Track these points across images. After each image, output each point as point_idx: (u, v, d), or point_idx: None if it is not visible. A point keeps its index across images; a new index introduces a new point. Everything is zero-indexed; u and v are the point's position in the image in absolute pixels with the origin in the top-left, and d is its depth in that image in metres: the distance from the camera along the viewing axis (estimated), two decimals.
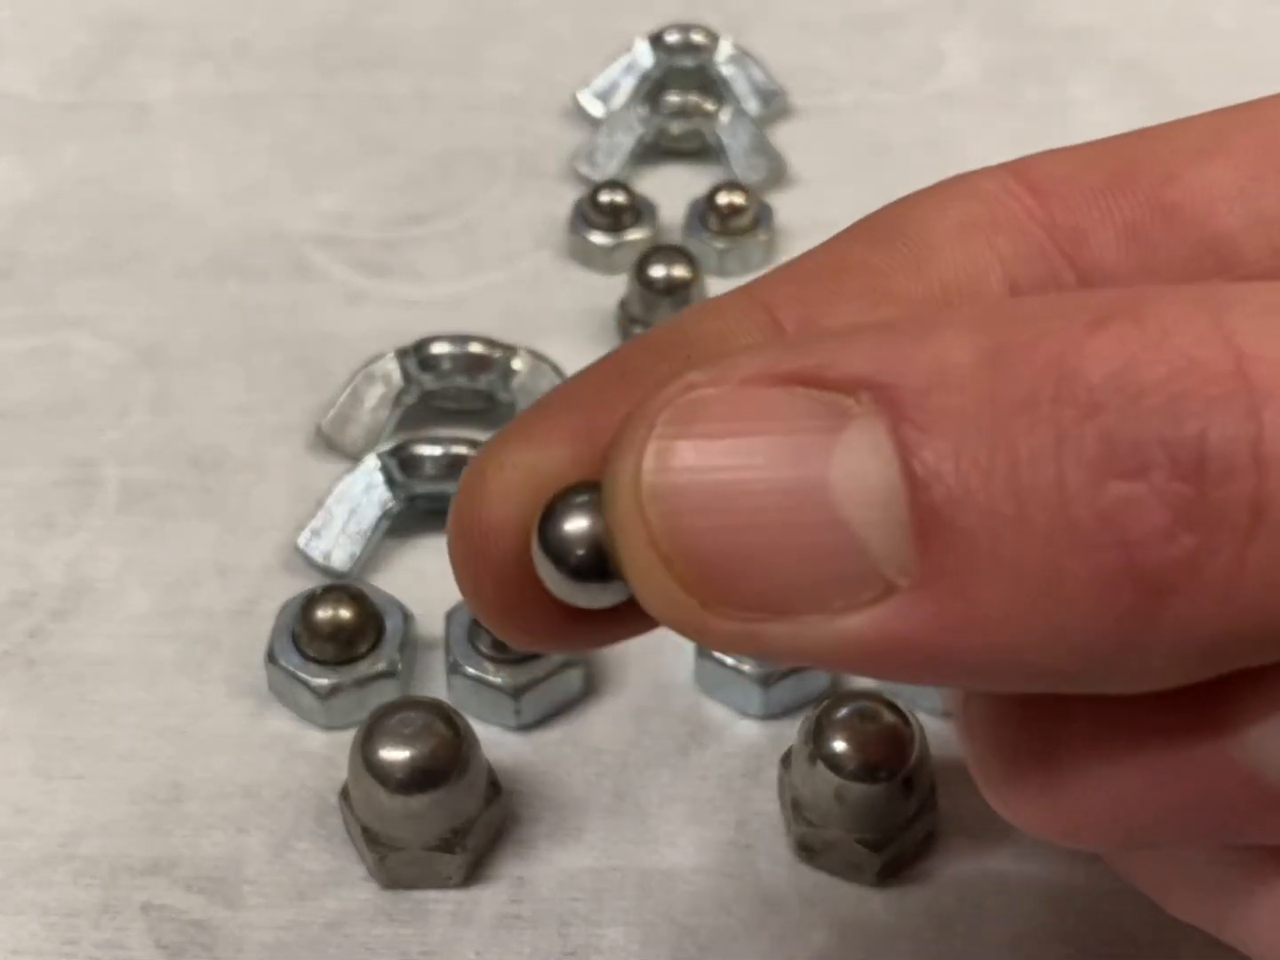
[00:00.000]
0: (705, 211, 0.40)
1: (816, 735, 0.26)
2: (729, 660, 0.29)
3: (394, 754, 0.26)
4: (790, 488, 0.15)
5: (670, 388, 0.15)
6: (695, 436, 0.15)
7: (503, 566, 0.17)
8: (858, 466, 0.14)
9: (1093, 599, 0.14)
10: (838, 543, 0.15)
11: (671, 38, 0.45)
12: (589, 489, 0.16)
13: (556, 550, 0.16)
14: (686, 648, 0.30)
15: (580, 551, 0.15)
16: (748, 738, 0.29)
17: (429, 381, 0.35)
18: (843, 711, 0.26)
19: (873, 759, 0.26)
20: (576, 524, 0.16)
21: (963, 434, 0.14)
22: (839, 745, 0.26)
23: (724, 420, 0.15)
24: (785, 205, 0.41)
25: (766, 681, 0.29)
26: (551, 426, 0.17)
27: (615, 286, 0.39)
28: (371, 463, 0.33)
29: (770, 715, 0.29)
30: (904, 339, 0.15)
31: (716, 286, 0.39)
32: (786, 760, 0.27)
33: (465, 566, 0.17)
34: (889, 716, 0.26)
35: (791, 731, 0.27)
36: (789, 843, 0.27)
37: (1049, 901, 0.27)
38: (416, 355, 0.35)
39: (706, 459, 0.15)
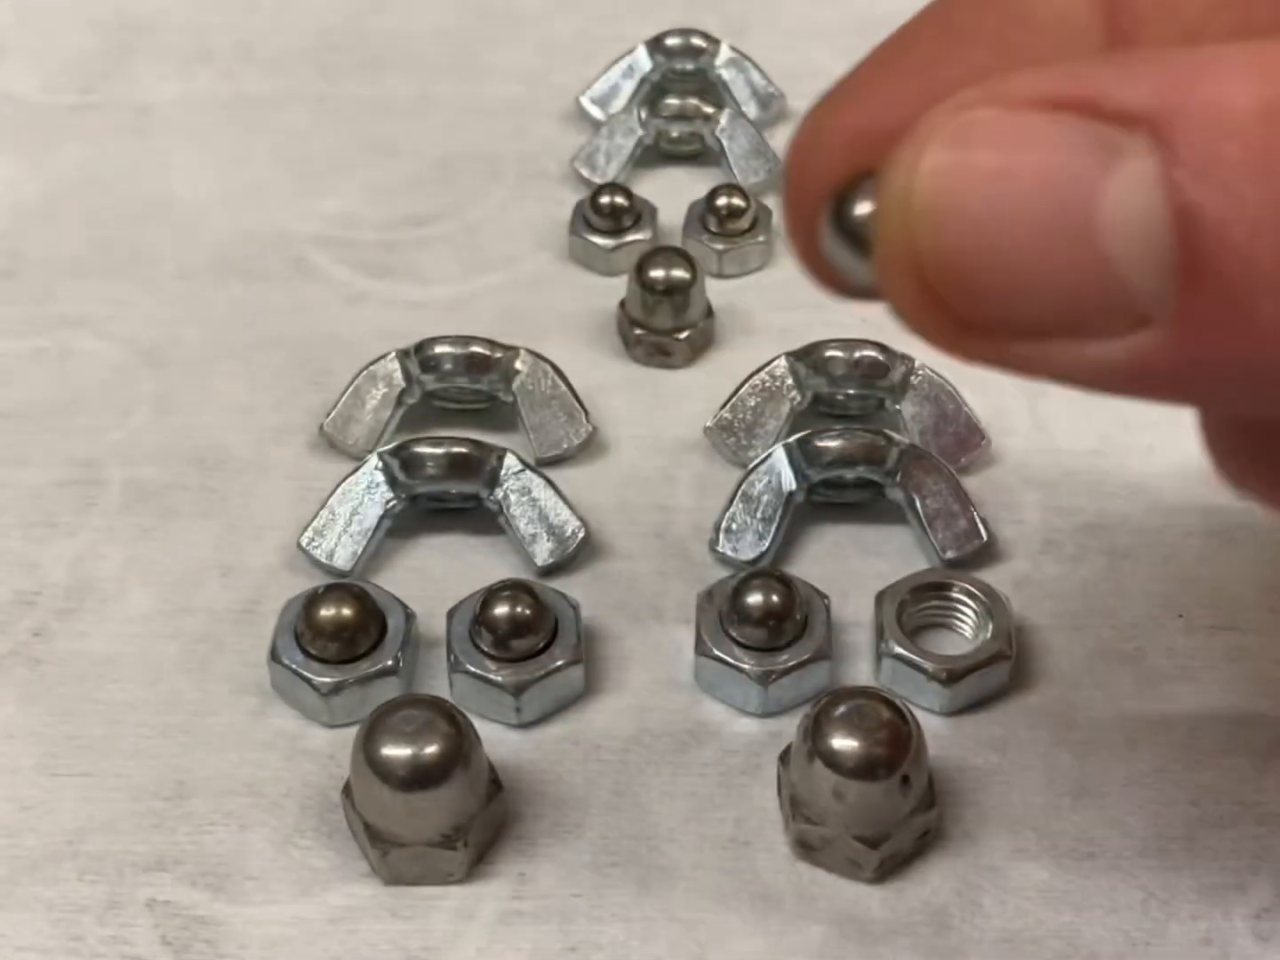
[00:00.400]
0: (704, 214, 0.40)
1: (815, 733, 0.26)
2: (728, 659, 0.29)
3: (396, 751, 0.26)
4: (1057, 217, 0.15)
5: (947, 104, 0.16)
6: (967, 158, 0.16)
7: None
8: (1128, 202, 0.15)
9: None
10: (1100, 274, 0.15)
11: (671, 42, 0.45)
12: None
13: (838, 224, 0.18)
14: (686, 647, 0.31)
15: (851, 235, 0.17)
16: (747, 735, 0.29)
17: (430, 382, 0.36)
18: (841, 709, 0.26)
19: (871, 757, 0.26)
20: (860, 208, 0.17)
21: (1238, 182, 0.14)
22: (837, 743, 0.26)
23: (997, 145, 0.16)
24: None
25: (765, 680, 0.29)
26: (883, 91, 0.19)
27: (615, 288, 0.39)
28: (373, 462, 0.33)
29: (769, 713, 0.30)
30: (1182, 76, 0.15)
31: (716, 288, 0.39)
32: (785, 758, 0.28)
33: (792, 209, 0.19)
34: (887, 714, 0.26)
35: (790, 729, 0.28)
36: (787, 840, 0.28)
37: (1046, 898, 0.27)
38: (418, 356, 0.35)
39: (976, 182, 0.16)
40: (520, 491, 0.33)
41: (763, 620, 0.29)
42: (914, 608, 0.31)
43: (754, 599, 0.29)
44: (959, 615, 0.31)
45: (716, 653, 0.29)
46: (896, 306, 0.17)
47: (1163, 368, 0.15)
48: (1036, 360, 0.16)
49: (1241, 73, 0.15)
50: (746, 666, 0.29)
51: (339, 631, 0.29)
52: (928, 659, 0.29)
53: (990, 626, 0.30)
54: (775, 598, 0.29)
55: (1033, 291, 0.16)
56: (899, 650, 0.29)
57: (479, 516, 0.33)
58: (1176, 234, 0.15)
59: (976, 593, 0.30)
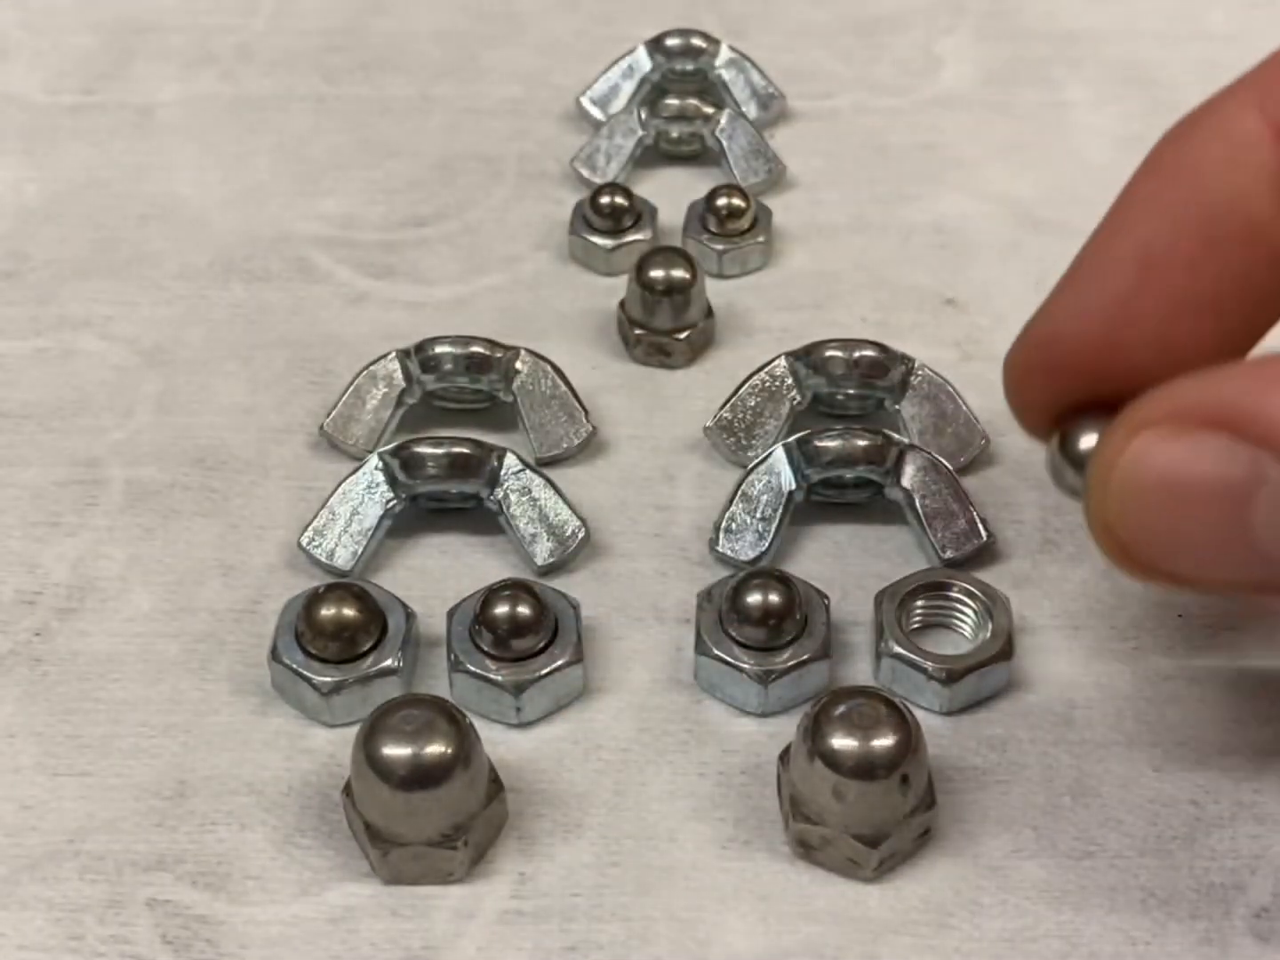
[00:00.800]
0: (704, 214, 0.40)
1: (815, 733, 0.26)
2: (728, 658, 0.29)
3: (396, 751, 0.26)
4: (1218, 518, 0.21)
5: (1141, 407, 0.22)
6: (1151, 461, 0.22)
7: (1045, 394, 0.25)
8: (1271, 515, 0.21)
9: None
10: (1249, 560, 0.21)
11: (671, 42, 0.46)
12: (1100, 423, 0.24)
13: (1065, 453, 0.25)
14: (686, 646, 0.31)
15: (1074, 466, 0.24)
16: (747, 735, 0.29)
17: (430, 382, 0.36)
18: (841, 709, 0.26)
19: (870, 756, 0.26)
20: (1085, 443, 0.24)
21: None
22: (837, 743, 0.26)
23: (1172, 456, 0.22)
24: (784, 207, 0.42)
25: (765, 679, 0.29)
26: (1084, 324, 0.25)
27: (615, 288, 0.39)
28: (374, 462, 0.33)
29: (769, 713, 0.30)
30: None
31: (715, 288, 0.39)
32: (785, 757, 0.28)
33: (1024, 422, 0.26)
34: (887, 714, 0.26)
35: (790, 729, 0.28)
36: (787, 839, 0.28)
37: (1046, 898, 0.27)
38: (418, 356, 0.35)
39: (1157, 481, 0.22)
40: (520, 491, 0.33)
41: (762, 620, 0.29)
42: (914, 607, 0.31)
43: (754, 598, 0.29)
44: (959, 615, 0.31)
45: (716, 652, 0.29)
46: (1095, 540, 0.23)
47: None
48: (1186, 591, 0.23)
49: None
50: (746, 666, 0.29)
51: (339, 631, 0.29)
52: (927, 659, 0.29)
53: (990, 626, 0.30)
54: (775, 597, 0.29)
55: (1201, 568, 0.22)
56: (899, 650, 0.29)
57: (479, 516, 0.33)
58: None
59: (976, 593, 0.30)
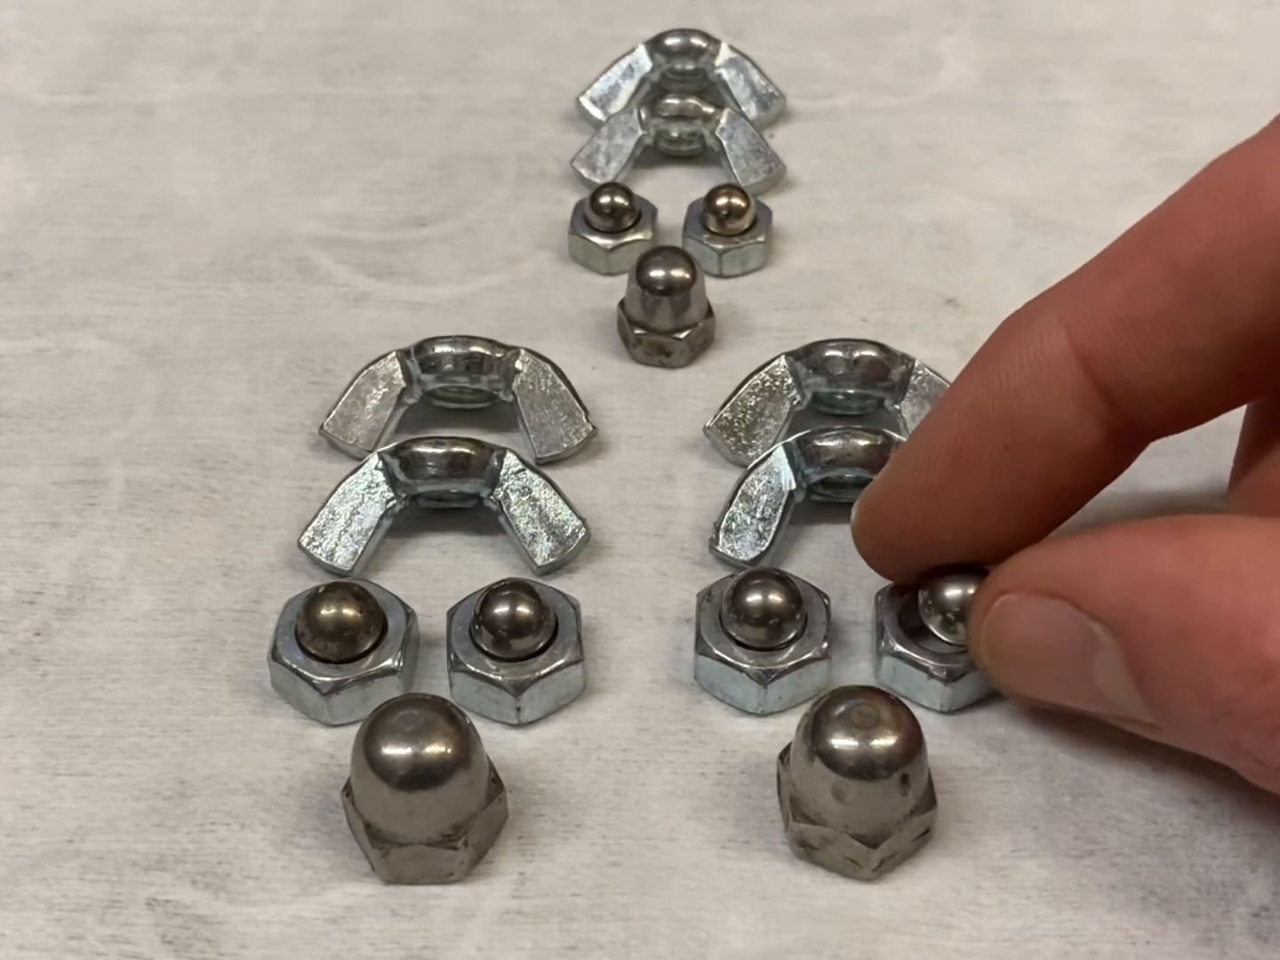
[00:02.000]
0: (704, 213, 0.40)
1: (815, 732, 0.26)
2: (728, 658, 0.29)
3: (396, 751, 0.26)
4: (1064, 668, 0.26)
5: (988, 591, 0.27)
6: (1005, 623, 0.27)
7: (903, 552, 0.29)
8: (1108, 667, 0.25)
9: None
10: (1100, 702, 0.26)
11: (671, 42, 0.46)
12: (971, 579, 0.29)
13: (932, 600, 0.29)
14: (686, 646, 0.31)
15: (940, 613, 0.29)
16: (747, 735, 0.30)
17: (430, 382, 0.36)
18: (841, 709, 0.26)
19: (870, 756, 0.26)
20: (950, 592, 0.29)
21: (1172, 676, 0.24)
22: (837, 742, 0.26)
23: (1020, 619, 0.27)
24: (784, 207, 0.42)
25: (765, 679, 0.29)
26: (899, 506, 0.28)
27: (615, 288, 0.39)
28: (374, 462, 0.33)
29: (768, 713, 0.30)
30: (1139, 593, 0.24)
31: (715, 287, 0.39)
32: (785, 757, 0.28)
33: (876, 567, 0.30)
34: (887, 714, 0.26)
35: (790, 729, 0.28)
36: (787, 839, 0.28)
37: (1045, 897, 0.27)
38: (418, 356, 0.35)
39: (1011, 638, 0.27)
40: (520, 491, 0.33)
41: (762, 619, 0.29)
42: (914, 605, 0.31)
43: (753, 598, 0.29)
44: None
45: (716, 652, 0.29)
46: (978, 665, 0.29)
47: (1162, 737, 0.26)
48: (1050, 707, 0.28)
49: (1171, 589, 0.24)
50: (746, 666, 0.29)
51: (339, 631, 0.29)
52: (929, 657, 0.29)
53: None
54: (775, 597, 0.29)
55: (1061, 700, 0.27)
56: (899, 649, 0.29)
57: (479, 516, 0.34)
58: (1140, 694, 0.25)
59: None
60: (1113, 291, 0.26)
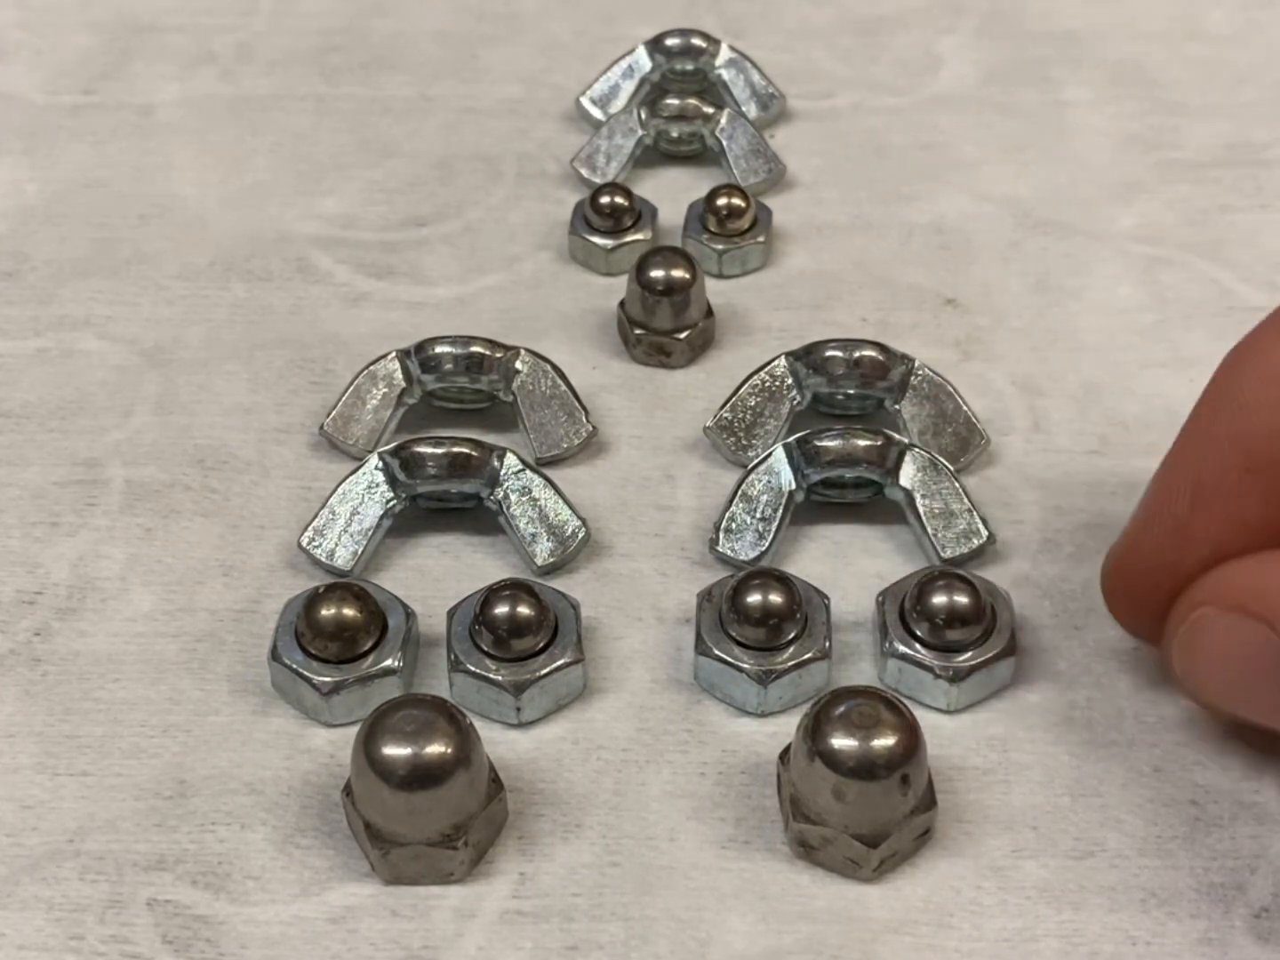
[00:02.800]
0: (704, 214, 0.40)
1: (815, 732, 0.26)
2: (728, 658, 0.29)
3: (396, 751, 0.26)
4: (1255, 685, 0.26)
5: (1187, 601, 0.27)
6: (1199, 634, 0.27)
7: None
8: None
9: None
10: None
11: (671, 42, 0.46)
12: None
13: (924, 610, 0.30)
14: (686, 646, 0.31)
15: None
16: (747, 735, 0.30)
17: (430, 382, 0.36)
18: (841, 709, 0.26)
19: (870, 756, 0.26)
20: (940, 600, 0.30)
21: None
22: (837, 742, 0.26)
23: (1215, 633, 0.26)
24: (784, 207, 0.42)
25: (764, 679, 0.29)
26: (1146, 553, 0.28)
27: (615, 288, 0.39)
28: (374, 462, 0.33)
29: (768, 713, 0.30)
30: None
31: (715, 288, 0.39)
32: (785, 757, 0.28)
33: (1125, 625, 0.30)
34: (887, 714, 0.26)
35: (790, 729, 0.28)
36: (787, 839, 0.28)
37: (1045, 898, 0.27)
38: (418, 356, 0.35)
39: (1205, 648, 0.27)
40: (520, 491, 0.33)
41: (762, 620, 0.29)
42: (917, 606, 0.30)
43: (753, 598, 0.29)
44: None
45: (716, 652, 0.29)
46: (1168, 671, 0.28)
47: None
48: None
49: None
50: (746, 666, 0.29)
51: (339, 631, 0.29)
52: (934, 657, 0.29)
53: (995, 623, 0.30)
54: (774, 597, 0.29)
55: (1250, 714, 0.27)
56: (904, 649, 0.29)
57: (479, 516, 0.34)
58: None
59: (979, 590, 0.30)
60: None
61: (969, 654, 0.29)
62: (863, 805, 0.26)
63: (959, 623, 0.29)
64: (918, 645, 0.30)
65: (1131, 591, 0.29)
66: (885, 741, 0.26)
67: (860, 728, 0.26)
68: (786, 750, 0.28)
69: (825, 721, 0.26)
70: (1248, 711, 0.27)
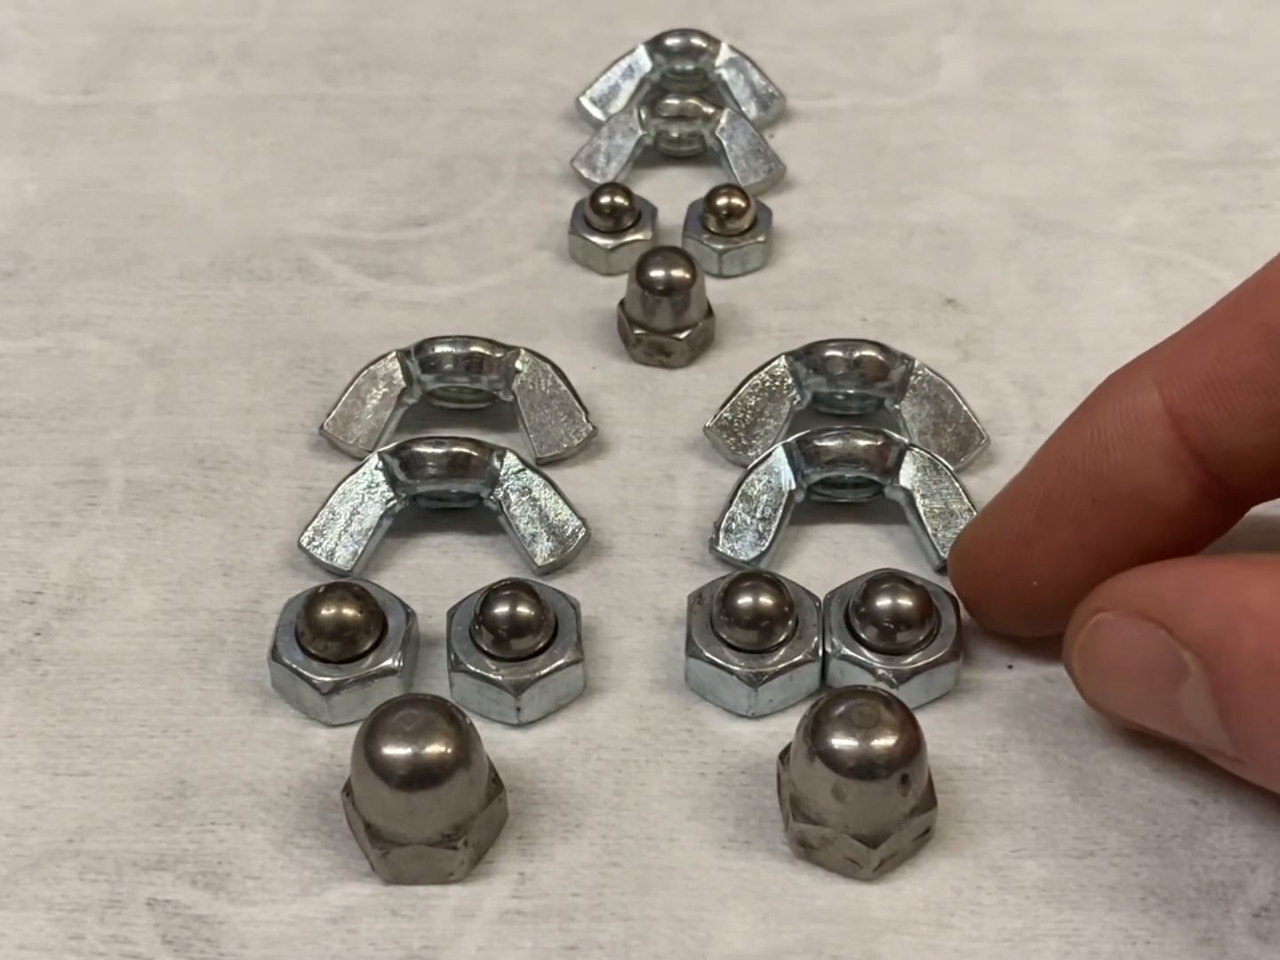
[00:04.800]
0: (704, 213, 0.40)
1: (814, 732, 0.26)
2: (718, 660, 0.29)
3: (396, 751, 0.26)
4: (1152, 691, 0.26)
5: (1086, 607, 0.27)
6: (1097, 641, 0.27)
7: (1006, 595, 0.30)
8: (1194, 701, 0.25)
9: None
10: (1181, 727, 0.26)
11: (671, 42, 0.46)
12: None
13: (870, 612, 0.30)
14: (683, 647, 0.31)
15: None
16: (747, 734, 0.29)
17: (430, 382, 0.36)
18: (841, 709, 0.26)
19: (870, 756, 0.26)
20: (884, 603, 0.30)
21: (1257, 712, 0.24)
22: (837, 742, 0.26)
23: (1113, 638, 0.26)
24: (784, 207, 0.42)
25: (755, 682, 0.29)
26: (989, 554, 0.29)
27: (615, 288, 0.39)
28: (374, 462, 0.33)
29: (759, 715, 0.30)
30: (1230, 624, 0.24)
31: (715, 288, 0.39)
32: (785, 757, 0.28)
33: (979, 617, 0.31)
34: (886, 714, 0.26)
35: (790, 729, 0.28)
36: (787, 839, 0.28)
37: (1045, 898, 0.27)
38: (418, 356, 0.35)
39: (1104, 653, 0.27)
40: (520, 491, 0.33)
41: (753, 622, 0.29)
42: (863, 608, 0.30)
43: (744, 600, 0.29)
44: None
45: (707, 654, 0.29)
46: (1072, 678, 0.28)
47: (1245, 773, 0.26)
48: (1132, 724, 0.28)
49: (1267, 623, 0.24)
50: (737, 668, 0.29)
51: (339, 631, 0.29)
52: (876, 660, 0.29)
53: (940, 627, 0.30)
54: (765, 599, 0.29)
55: (1147, 721, 0.27)
56: (846, 651, 0.29)
57: (479, 516, 0.34)
58: (1224, 721, 0.25)
59: (925, 592, 0.30)
60: (1205, 353, 0.26)
61: (913, 657, 0.29)
62: (863, 805, 0.26)
63: (903, 625, 0.29)
64: (862, 648, 0.30)
65: (973, 585, 0.30)
66: (885, 741, 0.26)
67: (860, 727, 0.26)
68: (786, 750, 0.28)
69: (825, 721, 0.26)
70: (1146, 719, 0.27)
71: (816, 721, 0.26)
